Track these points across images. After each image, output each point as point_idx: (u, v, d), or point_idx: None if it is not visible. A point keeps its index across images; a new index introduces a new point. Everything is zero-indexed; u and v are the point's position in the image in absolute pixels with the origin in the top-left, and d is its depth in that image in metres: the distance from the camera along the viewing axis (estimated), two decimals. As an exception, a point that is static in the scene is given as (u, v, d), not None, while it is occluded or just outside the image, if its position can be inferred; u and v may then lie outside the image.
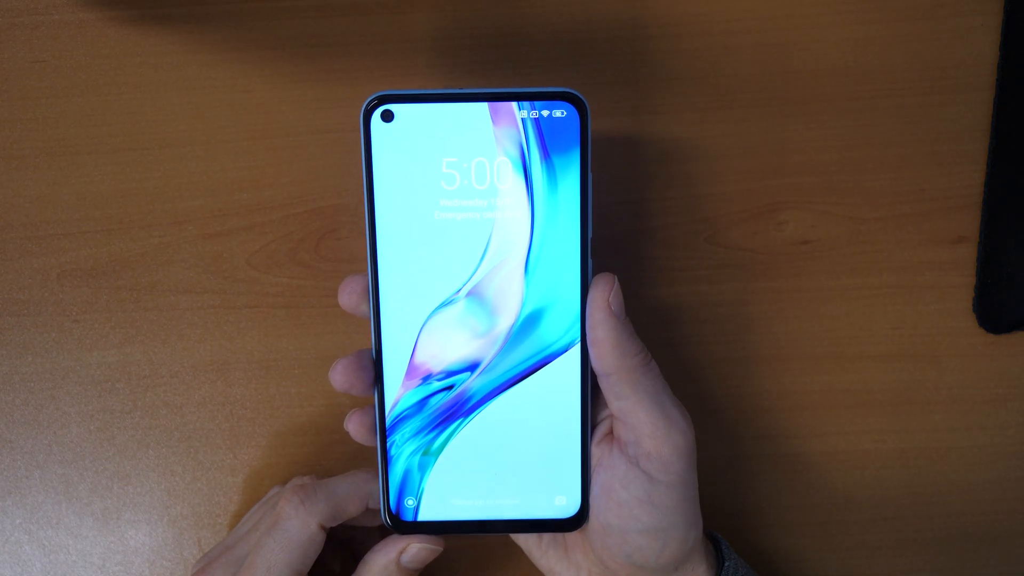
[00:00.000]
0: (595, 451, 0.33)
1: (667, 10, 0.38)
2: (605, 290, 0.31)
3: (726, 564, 0.34)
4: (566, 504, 0.33)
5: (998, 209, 0.38)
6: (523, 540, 0.36)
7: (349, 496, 0.33)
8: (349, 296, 0.32)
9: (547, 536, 0.35)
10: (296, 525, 0.32)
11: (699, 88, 0.38)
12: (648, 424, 0.31)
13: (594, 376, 0.32)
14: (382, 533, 0.35)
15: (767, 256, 0.39)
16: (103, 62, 0.38)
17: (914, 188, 0.38)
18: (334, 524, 0.33)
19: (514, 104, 0.30)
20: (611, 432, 0.33)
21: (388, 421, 0.32)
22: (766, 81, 0.38)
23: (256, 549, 0.32)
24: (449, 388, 0.32)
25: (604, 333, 0.31)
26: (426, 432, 0.32)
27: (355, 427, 0.33)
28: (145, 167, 0.39)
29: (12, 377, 0.39)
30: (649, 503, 0.31)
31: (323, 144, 0.38)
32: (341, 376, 0.32)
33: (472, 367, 0.32)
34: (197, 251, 0.39)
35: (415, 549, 0.33)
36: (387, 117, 0.31)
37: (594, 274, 0.32)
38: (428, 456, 0.33)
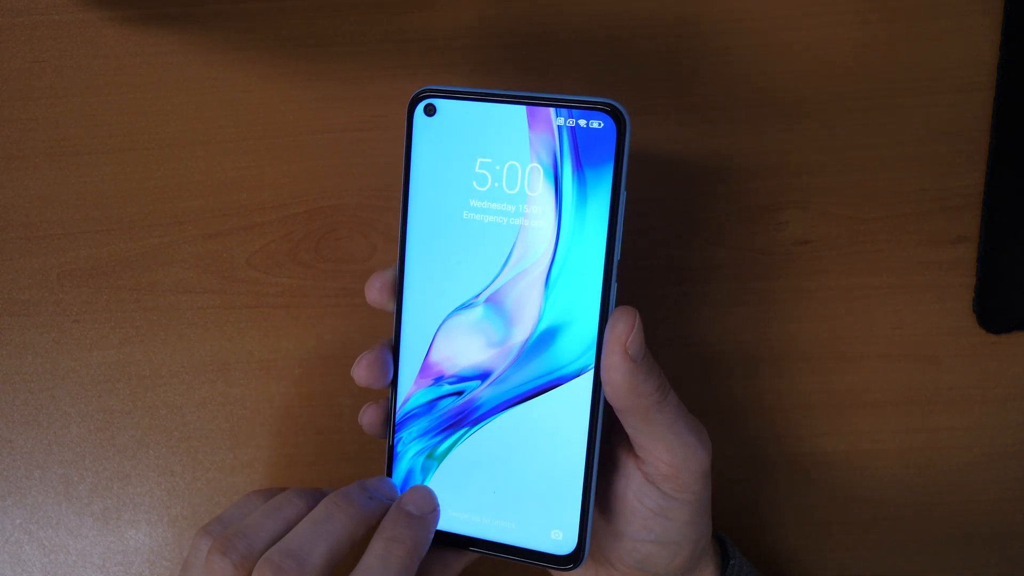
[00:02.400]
0: (613, 455, 0.33)
1: (665, 11, 0.38)
2: (624, 331, 0.29)
3: (731, 562, 0.34)
4: (561, 540, 0.32)
5: (998, 209, 0.38)
6: None
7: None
8: (380, 292, 0.32)
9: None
10: None
11: (699, 88, 0.38)
12: (665, 452, 0.30)
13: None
14: None
15: (767, 256, 0.39)
16: (103, 62, 0.38)
17: (914, 188, 0.38)
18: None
19: (552, 110, 0.29)
20: (630, 439, 0.32)
21: (397, 417, 0.32)
22: (766, 81, 0.38)
23: None
24: (459, 394, 0.32)
25: (619, 377, 0.29)
26: (432, 435, 0.32)
27: (369, 420, 0.33)
28: (145, 167, 0.39)
29: (12, 377, 0.39)
30: (663, 516, 0.31)
31: (323, 144, 0.38)
32: (366, 371, 0.32)
33: (483, 376, 0.31)
34: (197, 251, 0.39)
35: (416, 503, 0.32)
36: (430, 111, 0.31)
37: (618, 299, 0.30)
38: (431, 460, 0.32)
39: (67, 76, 0.38)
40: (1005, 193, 0.38)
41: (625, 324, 0.29)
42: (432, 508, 0.32)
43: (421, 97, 0.31)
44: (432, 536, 0.31)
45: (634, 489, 0.31)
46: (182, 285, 0.39)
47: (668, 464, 0.30)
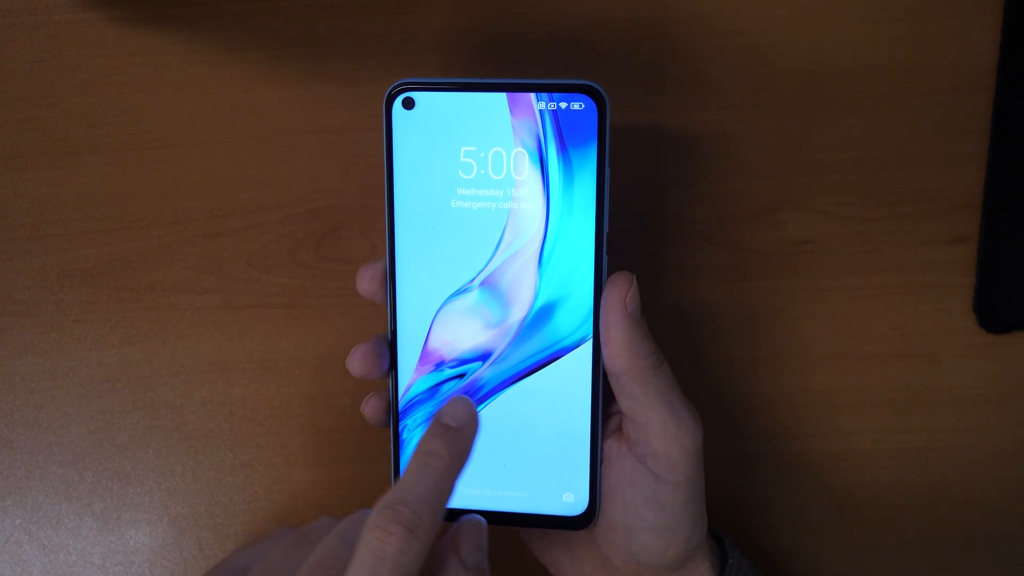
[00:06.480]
0: (604, 446, 0.33)
1: (665, 10, 0.38)
2: (623, 289, 0.31)
3: (729, 562, 0.34)
4: (574, 501, 0.33)
5: (998, 209, 0.38)
6: (526, 533, 0.36)
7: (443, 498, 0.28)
8: (370, 283, 0.33)
9: (552, 530, 0.35)
10: (409, 560, 0.26)
11: (698, 88, 0.38)
12: (657, 424, 0.31)
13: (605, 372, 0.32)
14: None
15: (767, 256, 0.39)
16: (103, 62, 0.38)
17: (914, 188, 0.38)
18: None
19: (532, 95, 0.30)
20: (620, 428, 0.33)
21: (401, 405, 0.33)
22: (766, 81, 0.38)
23: None
24: (461, 376, 0.32)
25: (618, 333, 0.31)
26: None
27: (371, 410, 0.33)
28: (145, 167, 0.39)
29: (12, 377, 0.39)
30: (656, 502, 0.31)
31: (323, 144, 0.38)
32: (360, 362, 0.32)
33: (484, 357, 0.32)
34: (197, 251, 0.39)
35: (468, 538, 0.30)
36: (408, 104, 0.31)
37: (610, 271, 0.31)
38: None
39: (67, 76, 0.38)
40: (1005, 193, 0.38)
41: (623, 283, 0.31)
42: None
43: (398, 91, 0.31)
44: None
45: (627, 475, 0.32)
46: (182, 285, 0.39)
47: (659, 437, 0.31)
